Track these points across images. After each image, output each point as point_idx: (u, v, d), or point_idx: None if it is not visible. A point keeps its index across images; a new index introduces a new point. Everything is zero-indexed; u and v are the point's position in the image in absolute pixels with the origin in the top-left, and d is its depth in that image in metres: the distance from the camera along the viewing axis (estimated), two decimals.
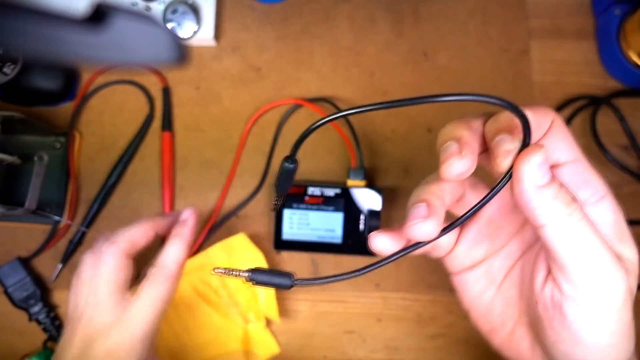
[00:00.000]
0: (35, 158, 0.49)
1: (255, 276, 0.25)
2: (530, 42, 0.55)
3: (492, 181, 0.25)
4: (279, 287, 0.25)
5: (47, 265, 0.51)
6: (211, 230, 0.51)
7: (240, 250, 0.49)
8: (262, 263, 0.49)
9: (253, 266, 0.48)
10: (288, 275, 0.25)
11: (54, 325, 0.49)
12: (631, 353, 0.26)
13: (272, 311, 0.49)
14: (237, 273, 0.25)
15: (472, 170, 0.24)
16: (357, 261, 0.51)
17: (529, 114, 0.23)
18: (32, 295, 0.49)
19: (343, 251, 0.49)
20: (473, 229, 0.29)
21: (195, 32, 0.52)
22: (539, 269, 0.26)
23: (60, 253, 0.51)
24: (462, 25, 0.55)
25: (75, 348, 0.36)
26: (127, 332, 0.36)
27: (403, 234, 0.25)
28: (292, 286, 0.25)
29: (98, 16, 0.21)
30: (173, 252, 0.39)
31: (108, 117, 0.54)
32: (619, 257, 0.24)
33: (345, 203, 0.49)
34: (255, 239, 0.50)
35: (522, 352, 0.29)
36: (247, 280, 0.25)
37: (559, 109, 0.53)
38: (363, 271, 0.25)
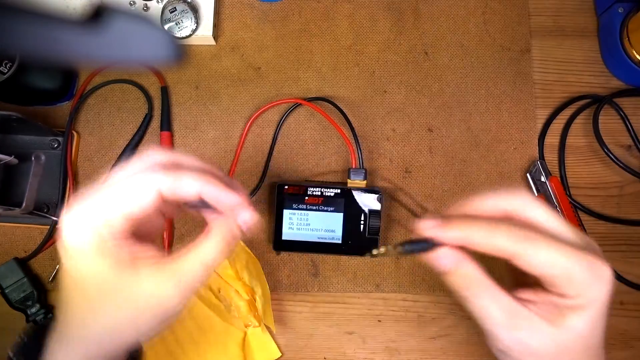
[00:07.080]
0: (33, 158, 0.49)
1: (408, 247, 0.27)
2: (531, 40, 0.55)
3: None
4: (423, 252, 0.27)
5: (44, 266, 0.51)
6: None
7: (240, 256, 0.49)
8: (259, 268, 0.49)
9: (253, 269, 0.48)
10: (426, 240, 0.27)
11: None
12: None
13: (269, 319, 0.48)
14: (398, 249, 0.28)
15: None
16: (357, 261, 0.51)
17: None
18: (30, 296, 0.48)
19: (343, 251, 0.49)
20: None
21: (194, 31, 0.52)
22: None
23: (57, 254, 0.50)
24: (463, 23, 0.55)
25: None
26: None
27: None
28: (433, 247, 0.27)
29: (95, 16, 0.20)
30: (209, 249, 0.29)
31: (106, 117, 0.53)
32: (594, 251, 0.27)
33: (345, 203, 0.48)
34: (255, 239, 0.50)
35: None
36: (402, 253, 0.27)
37: (561, 108, 0.53)
38: None
